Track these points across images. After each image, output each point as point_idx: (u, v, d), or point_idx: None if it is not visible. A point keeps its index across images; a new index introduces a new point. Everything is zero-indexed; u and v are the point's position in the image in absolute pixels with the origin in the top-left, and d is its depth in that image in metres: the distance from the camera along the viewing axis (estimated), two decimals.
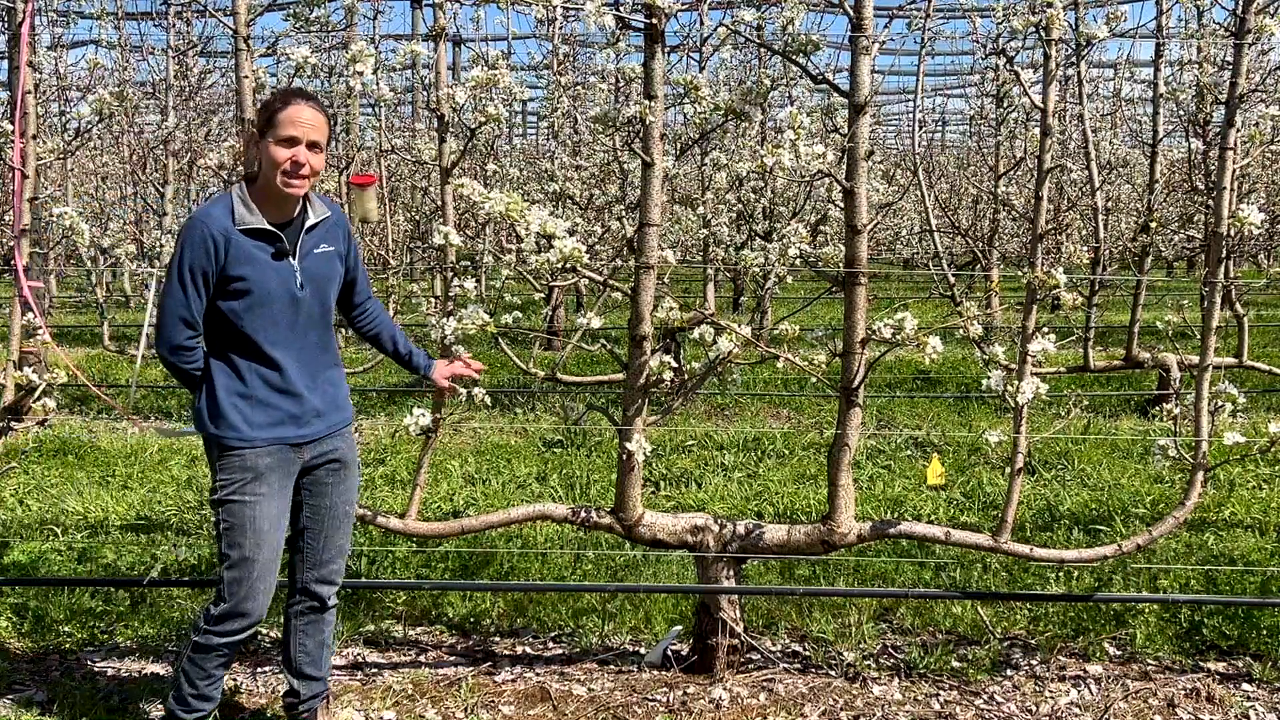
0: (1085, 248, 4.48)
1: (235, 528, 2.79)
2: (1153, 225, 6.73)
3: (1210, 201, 4.43)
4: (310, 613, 3.05)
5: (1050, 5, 3.28)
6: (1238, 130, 3.45)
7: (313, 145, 2.75)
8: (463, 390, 3.47)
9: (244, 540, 2.79)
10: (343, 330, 3.94)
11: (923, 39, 5.36)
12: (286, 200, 2.80)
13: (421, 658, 3.77)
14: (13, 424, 3.43)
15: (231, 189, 2.81)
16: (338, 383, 2.96)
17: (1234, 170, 3.45)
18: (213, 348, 2.81)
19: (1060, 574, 4.29)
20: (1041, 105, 3.38)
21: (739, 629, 3.60)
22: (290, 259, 2.79)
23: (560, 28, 9.53)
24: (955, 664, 3.69)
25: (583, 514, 3.51)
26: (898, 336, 3.12)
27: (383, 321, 3.18)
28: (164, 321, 2.75)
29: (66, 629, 3.90)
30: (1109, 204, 11.58)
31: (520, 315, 3.70)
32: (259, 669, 3.64)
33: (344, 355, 9.69)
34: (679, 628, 3.82)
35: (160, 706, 3.30)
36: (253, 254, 2.73)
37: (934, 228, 5.75)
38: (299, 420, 2.84)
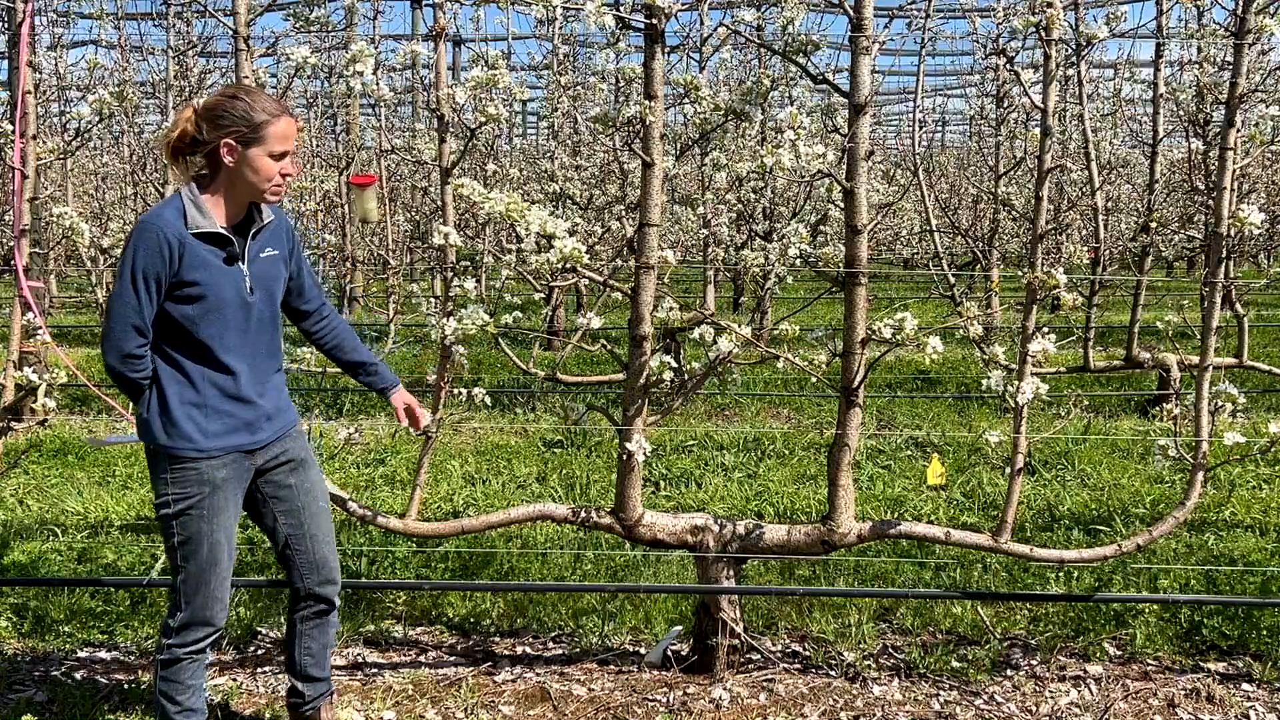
0: (1085, 248, 4.47)
1: (191, 541, 2.72)
2: (1153, 225, 6.73)
3: (1210, 201, 4.43)
4: (317, 616, 3.02)
5: (1050, 5, 3.28)
6: (1238, 130, 3.45)
7: (292, 156, 2.75)
8: (461, 390, 3.47)
9: (201, 553, 2.73)
10: None
11: (923, 39, 5.37)
12: (244, 205, 2.75)
13: (421, 658, 3.77)
14: (13, 424, 3.43)
15: (181, 190, 2.71)
16: (281, 386, 2.90)
17: (1234, 170, 3.45)
18: (163, 355, 2.70)
19: (1060, 574, 4.29)
20: (1041, 105, 3.38)
21: (739, 629, 3.60)
22: (240, 263, 2.73)
23: (560, 28, 9.53)
24: (955, 664, 3.69)
25: (583, 514, 3.51)
26: (898, 336, 3.12)
27: (343, 333, 3.08)
28: (114, 328, 2.63)
29: (66, 629, 3.91)
30: (1109, 204, 11.58)
31: (520, 315, 3.69)
32: (259, 669, 3.64)
33: None
34: (679, 628, 3.82)
35: None
36: (206, 258, 2.66)
37: (934, 228, 5.76)
38: (252, 427, 2.77)
